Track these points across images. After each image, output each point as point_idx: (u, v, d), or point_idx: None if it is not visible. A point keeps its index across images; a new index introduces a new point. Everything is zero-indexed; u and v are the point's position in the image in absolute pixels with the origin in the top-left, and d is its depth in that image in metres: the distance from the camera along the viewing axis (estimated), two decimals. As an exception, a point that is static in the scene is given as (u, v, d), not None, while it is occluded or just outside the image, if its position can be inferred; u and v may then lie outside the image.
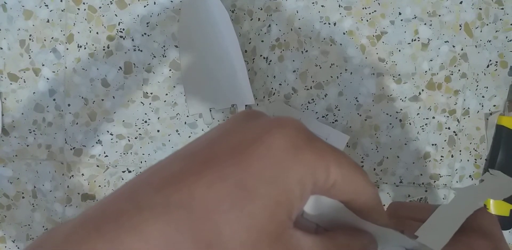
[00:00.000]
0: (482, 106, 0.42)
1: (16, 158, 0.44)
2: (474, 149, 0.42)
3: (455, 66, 0.41)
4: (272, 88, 0.42)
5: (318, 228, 0.16)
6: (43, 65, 0.42)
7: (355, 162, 0.16)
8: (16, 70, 0.42)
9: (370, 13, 0.41)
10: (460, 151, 0.42)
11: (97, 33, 0.42)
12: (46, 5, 0.41)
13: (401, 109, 0.42)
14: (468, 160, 0.42)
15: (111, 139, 0.43)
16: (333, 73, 0.41)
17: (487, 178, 0.24)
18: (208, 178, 0.13)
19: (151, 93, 0.42)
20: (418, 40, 0.41)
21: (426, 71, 0.41)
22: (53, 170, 0.43)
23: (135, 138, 0.43)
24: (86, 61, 0.42)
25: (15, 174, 0.44)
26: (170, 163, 0.14)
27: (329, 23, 0.41)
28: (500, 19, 0.41)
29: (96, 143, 0.43)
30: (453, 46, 0.41)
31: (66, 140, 0.43)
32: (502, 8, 0.41)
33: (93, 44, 0.42)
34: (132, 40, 0.42)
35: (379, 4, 0.41)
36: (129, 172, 0.43)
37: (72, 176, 0.43)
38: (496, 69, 0.41)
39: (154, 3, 0.41)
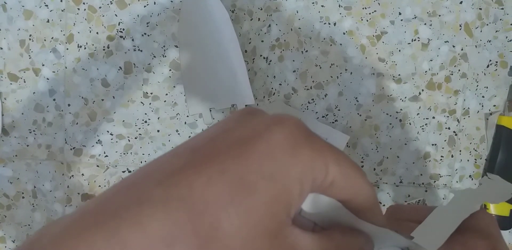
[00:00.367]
0: (482, 106, 0.42)
1: (16, 158, 0.44)
2: (474, 149, 0.42)
3: (455, 66, 0.41)
4: (272, 88, 0.42)
5: (315, 227, 0.16)
6: (43, 65, 0.42)
7: (353, 161, 0.16)
8: (16, 70, 0.42)
9: (370, 13, 0.41)
10: (460, 151, 0.42)
11: (97, 33, 0.42)
12: (46, 5, 0.41)
13: (401, 109, 0.42)
14: (468, 160, 0.42)
15: (111, 139, 0.43)
16: (333, 73, 0.41)
17: (485, 182, 0.24)
18: (208, 172, 0.13)
19: (151, 93, 0.42)
20: (418, 40, 0.41)
21: (426, 71, 0.41)
22: (53, 170, 0.43)
23: (135, 138, 0.43)
24: (86, 61, 0.42)
25: (15, 174, 0.44)
26: (171, 158, 0.14)
27: (329, 23, 0.41)
28: (500, 19, 0.41)
29: (96, 143, 0.43)
30: (453, 46, 0.41)
31: (66, 140, 0.43)
32: (502, 8, 0.41)
33: (93, 44, 0.42)
34: (132, 40, 0.42)
35: (379, 4, 0.41)
36: (129, 172, 0.43)
37: (72, 176, 0.43)
38: (496, 69, 0.41)
39: (154, 3, 0.41)
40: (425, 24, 0.41)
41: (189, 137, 0.43)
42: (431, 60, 0.41)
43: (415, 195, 0.43)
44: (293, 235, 0.14)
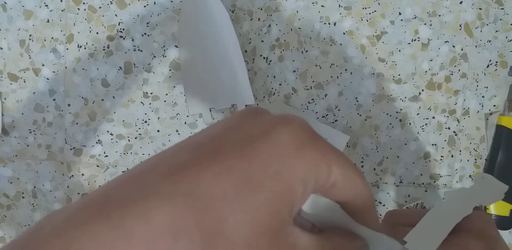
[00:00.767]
0: (482, 106, 0.42)
1: (16, 158, 0.44)
2: (474, 149, 0.42)
3: (455, 66, 0.41)
4: (272, 88, 0.42)
5: (313, 228, 0.17)
6: (43, 65, 0.42)
7: (354, 164, 0.16)
8: (16, 70, 0.42)
9: (370, 13, 0.41)
10: (460, 151, 0.42)
11: (97, 33, 0.42)
12: (46, 5, 0.41)
13: (401, 109, 0.42)
14: (468, 160, 0.42)
15: (111, 139, 0.43)
16: (333, 73, 0.41)
17: (478, 182, 0.24)
18: (215, 168, 0.13)
19: (151, 93, 0.42)
20: (418, 40, 0.41)
21: (426, 71, 0.41)
22: (53, 170, 0.43)
23: (135, 138, 0.43)
24: (86, 61, 0.42)
25: (15, 174, 0.44)
26: (176, 152, 0.14)
27: (329, 23, 0.41)
28: (500, 19, 0.41)
29: (96, 143, 0.43)
30: (453, 46, 0.41)
31: (66, 140, 0.43)
32: (502, 8, 0.41)
33: (93, 44, 0.42)
34: (132, 40, 0.42)
35: (379, 4, 0.41)
36: (129, 172, 0.43)
37: (72, 176, 0.43)
38: (496, 69, 0.41)
39: (154, 3, 0.41)
40: (425, 24, 0.41)
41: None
42: (431, 60, 0.41)
43: (415, 195, 0.43)
44: (294, 234, 0.14)
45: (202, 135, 0.15)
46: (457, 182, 0.43)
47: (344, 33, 0.41)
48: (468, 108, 0.42)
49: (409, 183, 0.43)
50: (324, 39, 0.41)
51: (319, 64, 0.41)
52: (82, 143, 0.43)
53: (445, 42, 0.41)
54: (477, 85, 0.42)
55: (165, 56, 0.42)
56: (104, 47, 0.42)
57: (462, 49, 0.41)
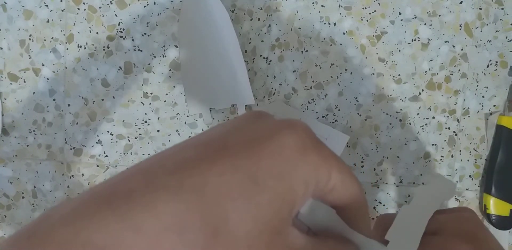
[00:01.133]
0: (482, 106, 0.42)
1: (16, 158, 0.44)
2: (474, 149, 0.42)
3: (455, 66, 0.41)
4: (272, 88, 0.42)
5: (309, 231, 0.17)
6: (43, 65, 0.42)
7: (352, 171, 0.17)
8: (16, 70, 0.42)
9: (370, 13, 0.41)
10: (460, 151, 0.42)
11: (97, 33, 0.42)
12: (46, 5, 0.41)
13: (401, 109, 0.42)
14: (468, 160, 0.42)
15: (111, 139, 0.43)
16: (333, 73, 0.41)
17: (429, 180, 0.25)
18: (221, 167, 0.14)
19: (151, 93, 0.42)
20: (418, 40, 0.41)
21: (426, 71, 0.41)
22: (53, 170, 0.43)
23: (135, 138, 0.43)
24: (86, 61, 0.42)
25: (15, 174, 0.44)
26: (182, 149, 0.15)
27: (329, 23, 0.41)
28: (500, 19, 0.41)
29: (96, 143, 0.43)
30: (453, 46, 0.41)
31: (66, 140, 0.43)
32: (502, 8, 0.41)
33: (93, 44, 0.42)
34: (132, 40, 0.42)
35: (379, 4, 0.41)
36: (129, 172, 0.43)
37: (72, 176, 0.43)
38: (496, 69, 0.41)
39: (154, 3, 0.41)
40: (425, 24, 0.41)
41: (189, 137, 0.43)
42: (431, 60, 0.41)
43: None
44: (292, 235, 0.15)
45: (206, 135, 0.16)
46: (457, 182, 0.43)
47: (344, 33, 0.41)
48: (468, 108, 0.42)
49: (409, 183, 0.43)
50: (324, 39, 0.41)
51: (319, 64, 0.41)
52: (82, 143, 0.43)
53: (445, 42, 0.41)
54: (477, 85, 0.42)
55: (165, 56, 0.42)
56: (104, 47, 0.42)
57: (462, 49, 0.41)
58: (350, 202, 0.17)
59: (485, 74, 0.41)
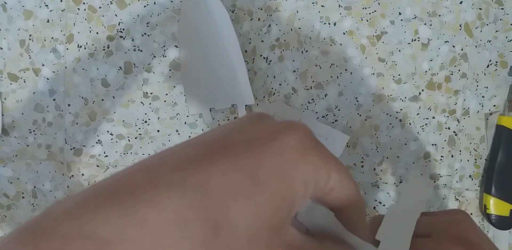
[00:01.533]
0: (482, 106, 0.42)
1: (16, 158, 0.44)
2: (474, 149, 0.42)
3: (455, 66, 0.41)
4: (272, 88, 0.42)
5: (307, 232, 0.17)
6: (43, 65, 0.42)
7: (350, 174, 0.17)
8: (16, 70, 0.42)
9: (370, 13, 0.41)
10: (460, 151, 0.42)
11: (97, 33, 0.42)
12: (46, 5, 0.41)
13: (401, 109, 0.42)
14: (468, 160, 0.42)
15: (111, 139, 0.43)
16: (333, 73, 0.41)
17: (409, 180, 0.25)
18: (223, 166, 0.14)
19: (151, 93, 0.42)
20: (418, 40, 0.41)
21: (426, 71, 0.41)
22: (53, 170, 0.43)
23: (135, 138, 0.43)
24: (86, 61, 0.42)
25: (15, 174, 0.44)
26: (184, 148, 0.15)
27: (329, 23, 0.41)
28: (500, 19, 0.41)
29: (96, 143, 0.43)
30: (453, 46, 0.41)
31: (66, 140, 0.43)
32: (502, 8, 0.41)
33: (93, 44, 0.42)
34: (132, 40, 0.42)
35: (379, 4, 0.41)
36: (129, 172, 0.43)
37: (72, 176, 0.43)
38: (496, 69, 0.41)
39: (154, 3, 0.41)
40: (425, 24, 0.41)
41: (189, 137, 0.43)
42: (431, 60, 0.41)
43: (415, 195, 0.43)
44: (291, 234, 0.15)
45: (208, 135, 0.16)
46: (457, 182, 0.43)
47: (344, 33, 0.41)
48: (468, 108, 0.42)
49: (409, 183, 0.43)
50: (324, 39, 0.41)
51: (319, 64, 0.41)
52: (82, 143, 0.43)
53: (445, 42, 0.41)
54: (477, 85, 0.42)
55: (165, 56, 0.42)
56: (104, 47, 0.42)
57: (462, 49, 0.41)
58: (348, 204, 0.17)
59: (485, 74, 0.41)
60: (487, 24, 0.41)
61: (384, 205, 0.43)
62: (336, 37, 0.41)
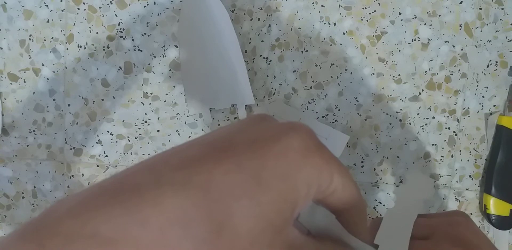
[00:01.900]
0: (482, 106, 0.42)
1: (16, 158, 0.44)
2: (474, 149, 0.42)
3: (455, 66, 0.41)
4: (272, 88, 0.42)
5: (309, 234, 0.17)
6: (43, 65, 0.42)
7: (352, 176, 0.17)
8: (16, 70, 0.42)
9: (370, 13, 0.41)
10: (460, 151, 0.42)
11: (97, 33, 0.42)
12: (46, 5, 0.41)
13: (401, 109, 0.42)
14: (468, 160, 0.42)
15: (111, 139, 0.43)
16: (333, 73, 0.41)
17: (409, 178, 0.25)
18: (226, 166, 0.14)
19: (151, 93, 0.42)
20: (418, 40, 0.41)
21: (426, 71, 0.41)
22: (53, 170, 0.43)
23: (135, 138, 0.43)
24: (86, 61, 0.42)
25: (15, 174, 0.44)
26: (188, 148, 0.15)
27: (329, 23, 0.41)
28: (500, 19, 0.41)
29: (96, 143, 0.43)
30: (453, 46, 0.41)
31: (66, 140, 0.43)
32: (502, 8, 0.41)
33: (93, 44, 0.42)
34: (132, 40, 0.42)
35: (379, 4, 0.41)
36: (129, 172, 0.43)
37: (72, 176, 0.43)
38: (496, 69, 0.41)
39: (154, 3, 0.41)
40: (425, 24, 0.41)
41: (189, 137, 0.43)
42: (431, 60, 0.41)
43: (415, 195, 0.43)
44: (293, 235, 0.15)
45: (211, 135, 0.16)
46: (457, 182, 0.43)
47: (344, 33, 0.41)
48: (468, 108, 0.42)
49: (409, 183, 0.42)
50: (324, 39, 0.41)
51: (319, 64, 0.41)
52: (82, 143, 0.43)
53: (445, 42, 0.41)
54: (477, 85, 0.42)
55: (165, 56, 0.42)
56: (104, 47, 0.42)
57: (462, 49, 0.41)
58: (349, 206, 0.17)
59: (485, 74, 0.41)
60: (487, 24, 0.41)
61: (384, 205, 0.43)
62: (336, 37, 0.41)
